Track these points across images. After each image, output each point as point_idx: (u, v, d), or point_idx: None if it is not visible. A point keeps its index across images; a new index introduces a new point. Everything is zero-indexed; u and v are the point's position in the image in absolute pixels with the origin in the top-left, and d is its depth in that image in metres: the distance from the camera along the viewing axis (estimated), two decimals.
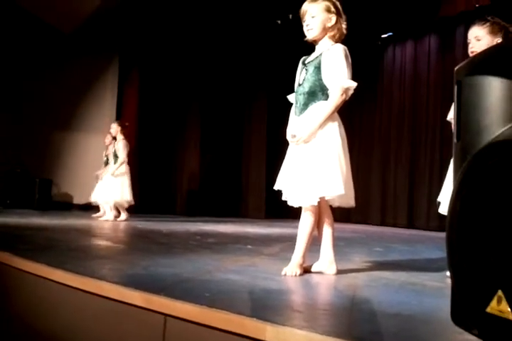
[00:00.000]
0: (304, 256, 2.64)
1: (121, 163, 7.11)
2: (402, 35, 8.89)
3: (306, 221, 2.65)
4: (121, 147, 7.14)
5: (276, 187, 2.76)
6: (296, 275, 2.53)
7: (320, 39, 2.74)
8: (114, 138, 7.39)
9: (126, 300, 1.91)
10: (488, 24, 2.70)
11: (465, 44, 3.08)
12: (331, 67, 2.62)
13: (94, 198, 7.48)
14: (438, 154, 7.89)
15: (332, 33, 2.72)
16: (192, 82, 10.17)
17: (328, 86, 2.63)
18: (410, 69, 8.80)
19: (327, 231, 2.73)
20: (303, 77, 2.74)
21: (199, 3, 8.43)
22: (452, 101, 2.53)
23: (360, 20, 8.10)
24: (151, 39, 9.54)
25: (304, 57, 2.84)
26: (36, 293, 2.45)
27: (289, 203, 2.69)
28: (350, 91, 2.63)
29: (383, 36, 9.13)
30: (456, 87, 1.45)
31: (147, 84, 9.98)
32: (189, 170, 10.31)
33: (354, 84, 2.61)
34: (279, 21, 7.61)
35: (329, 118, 2.62)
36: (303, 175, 2.59)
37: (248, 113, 10.43)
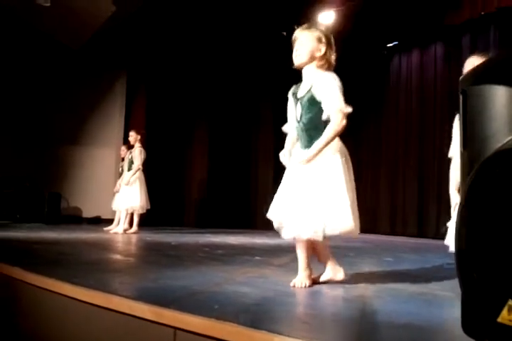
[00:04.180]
0: (308, 267, 2.62)
1: (136, 170, 7.21)
2: (407, 43, 8.90)
3: (302, 248, 2.62)
4: (137, 154, 7.24)
5: (270, 215, 2.71)
6: (305, 287, 2.52)
7: (306, 67, 2.70)
8: (131, 147, 7.49)
9: (136, 314, 1.90)
10: (487, 56, 2.75)
11: (471, 52, 3.13)
12: (325, 95, 2.57)
13: (115, 206, 7.53)
14: (447, 162, 7.84)
15: (320, 63, 2.67)
16: (199, 94, 10.23)
17: (327, 113, 2.58)
18: (416, 77, 8.79)
19: (323, 250, 2.70)
20: (299, 112, 2.68)
21: (205, 19, 8.50)
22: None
23: (366, 30, 8.15)
24: (158, 55, 9.62)
25: (293, 89, 2.78)
26: (46, 307, 2.45)
27: (285, 235, 2.59)
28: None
29: (389, 45, 9.14)
30: (461, 97, 1.45)
31: (155, 98, 10.06)
32: (197, 181, 10.33)
33: (350, 110, 2.56)
34: (284, 33, 7.64)
35: (332, 148, 2.59)
36: (307, 206, 2.52)
37: (255, 124, 10.45)
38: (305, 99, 2.65)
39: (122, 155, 7.95)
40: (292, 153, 2.76)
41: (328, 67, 2.70)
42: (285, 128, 2.85)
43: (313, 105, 2.61)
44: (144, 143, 7.58)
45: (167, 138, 10.05)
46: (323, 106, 2.59)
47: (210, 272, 3.03)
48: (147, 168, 7.67)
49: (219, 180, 10.33)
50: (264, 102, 10.20)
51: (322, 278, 2.69)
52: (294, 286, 2.52)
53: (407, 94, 8.92)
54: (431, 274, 3.36)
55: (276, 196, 2.71)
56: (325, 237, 2.51)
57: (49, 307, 2.43)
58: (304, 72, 2.73)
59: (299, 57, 2.70)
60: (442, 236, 7.64)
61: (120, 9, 7.83)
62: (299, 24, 2.81)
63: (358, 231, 2.60)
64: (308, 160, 2.55)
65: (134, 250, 5.07)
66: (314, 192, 2.52)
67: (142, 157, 7.26)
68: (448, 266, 3.74)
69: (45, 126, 9.97)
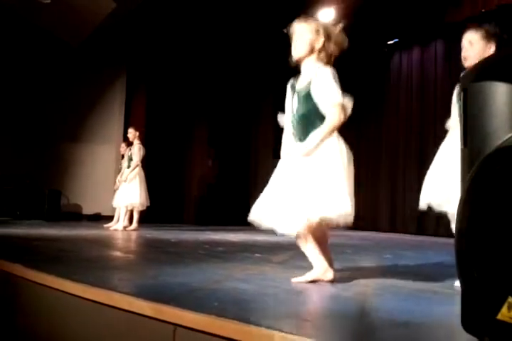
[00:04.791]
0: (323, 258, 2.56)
1: (135, 166, 7.23)
2: (408, 41, 8.88)
3: (309, 243, 2.55)
4: (136, 151, 7.26)
5: (254, 216, 2.62)
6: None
7: (305, 60, 2.67)
8: (131, 144, 7.50)
9: (136, 310, 1.90)
10: (482, 30, 2.72)
11: None
12: (322, 91, 2.55)
13: (116, 203, 7.53)
14: None
15: (320, 56, 2.64)
16: (199, 91, 10.22)
17: (324, 108, 2.56)
18: (417, 75, 8.78)
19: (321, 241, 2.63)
20: (295, 105, 2.67)
21: (205, 16, 8.48)
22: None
23: (366, 27, 8.13)
24: (157, 53, 9.61)
25: (292, 81, 2.76)
26: (46, 303, 2.46)
27: (280, 230, 2.53)
28: (348, 111, 2.55)
29: (389, 43, 9.13)
30: (462, 94, 1.45)
31: (154, 95, 10.06)
32: (197, 179, 10.32)
33: (350, 103, 2.54)
34: (285, 30, 7.62)
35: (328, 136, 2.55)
36: (302, 193, 2.48)
37: (256, 121, 10.45)
38: (302, 92, 2.63)
39: (122, 152, 7.96)
40: (287, 148, 2.73)
41: (328, 59, 2.67)
42: (280, 119, 2.81)
43: (310, 99, 2.59)
44: (143, 140, 7.59)
45: (167, 135, 10.05)
46: (319, 102, 2.56)
47: (210, 269, 3.03)
48: (147, 165, 7.68)
49: (219, 177, 10.33)
50: (265, 100, 10.19)
51: (309, 277, 2.57)
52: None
53: (407, 91, 8.91)
54: (430, 271, 3.36)
55: (263, 194, 2.65)
56: (324, 223, 2.48)
57: (49, 303, 2.43)
58: (303, 65, 2.70)
59: (298, 50, 2.67)
60: (442, 233, 7.67)
61: (120, 6, 7.82)
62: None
63: (352, 217, 2.54)
64: (307, 154, 2.52)
65: (133, 247, 5.07)
66: (313, 177, 2.49)
67: (141, 154, 7.28)
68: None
69: (45, 123, 9.97)
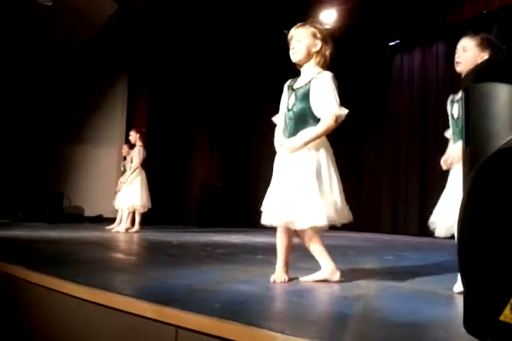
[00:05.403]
0: (285, 261, 2.69)
1: (135, 168, 7.24)
2: (409, 42, 8.89)
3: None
4: (136, 153, 7.28)
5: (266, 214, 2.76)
6: (284, 281, 2.58)
7: (304, 64, 2.76)
8: (133, 146, 7.52)
9: (138, 312, 1.90)
10: (478, 37, 2.72)
11: None
12: (321, 95, 2.63)
13: (117, 205, 7.53)
14: None
15: (317, 59, 2.73)
16: (200, 93, 10.23)
17: (319, 114, 2.63)
18: (418, 76, 8.78)
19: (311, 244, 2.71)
20: (292, 102, 2.73)
21: (205, 19, 8.49)
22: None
23: (368, 29, 8.13)
24: (159, 55, 9.62)
25: (289, 82, 2.84)
26: (48, 306, 2.46)
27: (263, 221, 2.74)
28: (341, 119, 2.63)
29: (391, 44, 9.12)
30: (463, 95, 1.45)
31: (156, 98, 10.08)
32: (199, 181, 10.33)
33: (346, 112, 2.61)
34: (286, 31, 7.63)
35: (319, 143, 2.64)
36: (285, 195, 2.62)
37: (258, 123, 10.45)
38: (301, 90, 2.71)
39: (124, 154, 7.98)
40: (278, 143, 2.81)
41: (324, 62, 2.75)
42: (275, 118, 2.90)
43: (307, 99, 2.66)
44: (145, 142, 7.60)
45: (169, 137, 10.06)
46: (314, 107, 2.64)
47: (212, 271, 3.03)
48: (149, 167, 7.68)
49: (221, 179, 10.33)
50: (267, 102, 10.20)
51: (316, 277, 2.66)
52: (274, 281, 2.58)
53: (409, 92, 8.91)
54: (432, 273, 3.35)
55: (270, 190, 2.79)
56: (307, 230, 2.60)
57: (51, 305, 2.43)
58: (302, 69, 2.79)
59: (296, 55, 2.75)
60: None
61: (122, 7, 7.83)
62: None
63: (345, 220, 2.64)
64: (294, 150, 2.62)
65: (135, 249, 5.07)
66: (295, 183, 2.60)
67: (141, 156, 7.29)
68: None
69: (47, 125, 9.98)
